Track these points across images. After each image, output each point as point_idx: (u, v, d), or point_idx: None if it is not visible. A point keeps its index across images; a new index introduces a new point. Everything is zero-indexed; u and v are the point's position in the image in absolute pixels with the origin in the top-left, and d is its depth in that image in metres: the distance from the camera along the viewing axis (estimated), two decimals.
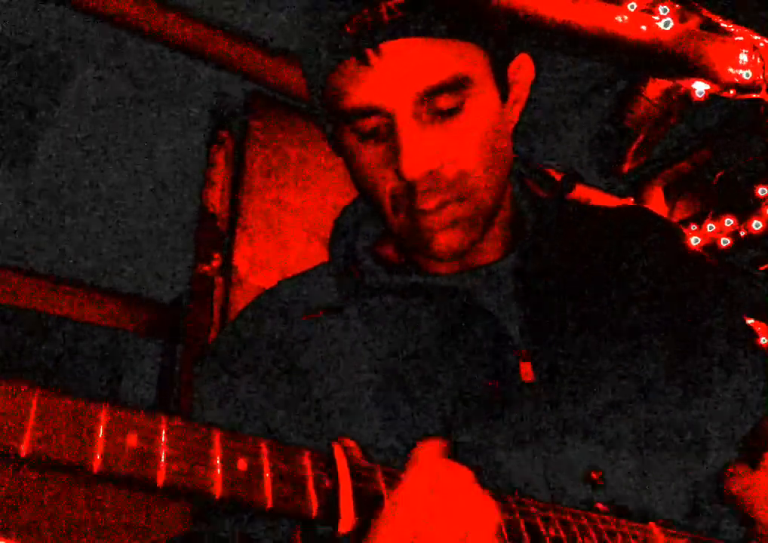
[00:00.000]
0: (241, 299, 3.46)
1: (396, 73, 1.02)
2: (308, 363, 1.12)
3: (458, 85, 1.04)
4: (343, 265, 1.20)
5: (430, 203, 1.06)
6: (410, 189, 1.06)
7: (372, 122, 1.05)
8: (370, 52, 1.02)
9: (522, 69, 1.15)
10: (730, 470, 1.04)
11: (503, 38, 1.11)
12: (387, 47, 1.02)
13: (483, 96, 1.07)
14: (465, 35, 1.05)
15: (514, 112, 1.15)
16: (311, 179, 3.82)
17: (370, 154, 1.08)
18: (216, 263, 3.57)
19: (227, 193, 3.72)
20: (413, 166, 1.03)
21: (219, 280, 3.54)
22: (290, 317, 1.17)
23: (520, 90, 1.15)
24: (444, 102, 1.04)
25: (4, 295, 3.64)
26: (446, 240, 1.08)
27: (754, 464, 1.04)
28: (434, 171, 1.05)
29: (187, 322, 3.52)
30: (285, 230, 3.69)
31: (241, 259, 3.57)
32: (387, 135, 1.06)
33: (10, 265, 3.77)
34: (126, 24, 3.50)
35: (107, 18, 3.48)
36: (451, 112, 1.05)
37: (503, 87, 1.11)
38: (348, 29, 1.03)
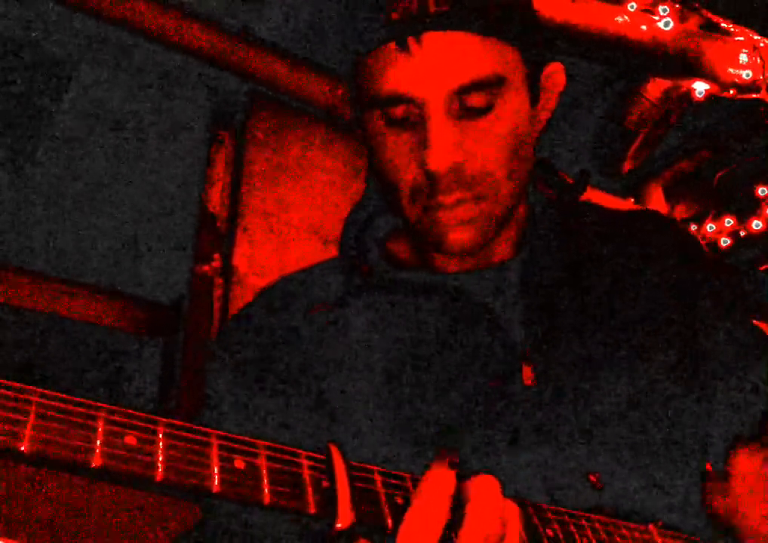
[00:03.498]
0: (240, 299, 3.46)
1: (434, 65, 1.03)
2: (314, 357, 1.13)
3: (492, 84, 1.04)
4: (352, 260, 1.20)
5: (449, 198, 1.06)
6: (431, 182, 1.06)
7: (402, 110, 1.05)
8: (411, 40, 1.02)
9: (554, 76, 1.16)
10: (707, 484, 1.05)
11: (541, 42, 1.12)
12: (429, 37, 1.02)
13: (514, 98, 1.07)
14: (506, 35, 1.05)
15: (542, 117, 1.16)
16: (311, 179, 3.82)
17: (396, 141, 1.07)
18: (216, 263, 3.57)
19: (227, 193, 3.72)
20: (440, 159, 1.03)
21: (219, 280, 3.54)
22: (297, 310, 1.17)
23: (550, 97, 1.16)
24: (477, 99, 1.04)
25: (4, 295, 3.64)
26: (458, 237, 1.08)
27: (726, 473, 1.04)
28: (458, 166, 1.05)
29: (187, 322, 3.52)
30: (285, 230, 3.69)
31: (240, 259, 3.57)
32: (415, 124, 1.06)
33: (10, 265, 3.77)
34: (126, 24, 3.50)
35: (108, 18, 3.48)
36: (482, 110, 1.05)
37: (534, 92, 1.12)
38: (393, 15, 1.03)
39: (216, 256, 3.58)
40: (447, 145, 1.03)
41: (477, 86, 1.03)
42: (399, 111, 1.05)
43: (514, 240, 1.19)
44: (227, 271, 3.55)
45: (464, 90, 1.03)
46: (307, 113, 3.88)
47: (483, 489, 0.84)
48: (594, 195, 4.60)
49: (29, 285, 3.67)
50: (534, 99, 1.12)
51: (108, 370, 4.42)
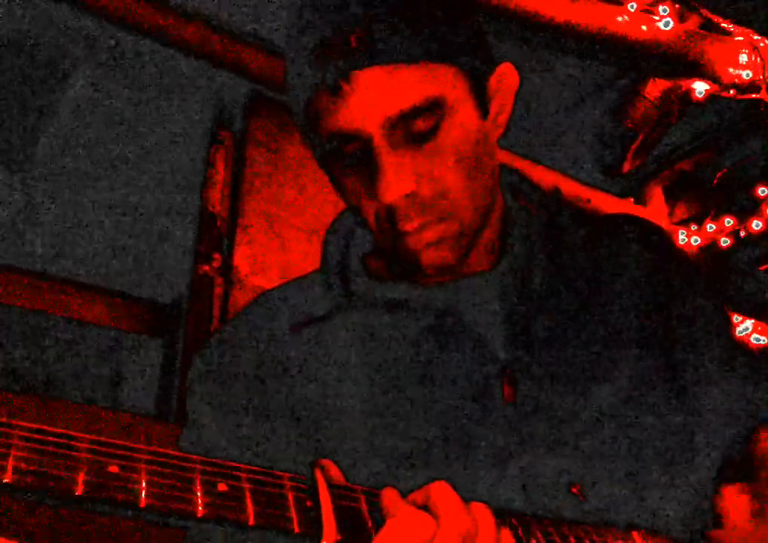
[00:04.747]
0: (241, 299, 3.46)
1: (367, 101, 1.03)
2: (298, 372, 1.13)
3: (431, 107, 1.04)
4: (333, 275, 1.20)
5: (411, 224, 1.07)
6: (390, 212, 1.07)
7: (349, 149, 1.06)
8: (341, 81, 1.03)
9: (504, 78, 1.14)
10: (723, 489, 1.05)
11: (481, 52, 1.11)
12: (357, 76, 1.03)
13: (459, 115, 1.07)
14: (437, 57, 1.05)
15: (497, 124, 1.15)
16: (311, 179, 3.82)
17: (352, 180, 1.09)
18: (216, 263, 3.57)
19: (227, 193, 3.72)
20: (390, 190, 1.04)
21: (219, 280, 3.54)
22: (281, 326, 1.18)
23: (503, 101, 1.15)
24: (419, 125, 1.04)
25: (4, 295, 3.64)
26: (431, 259, 1.09)
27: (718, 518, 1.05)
28: (413, 193, 1.05)
29: (187, 322, 3.52)
30: (285, 230, 3.69)
31: (241, 259, 3.57)
32: (365, 161, 1.06)
33: (10, 265, 3.77)
34: (126, 24, 3.50)
35: (107, 18, 3.48)
36: (427, 134, 1.05)
37: (482, 102, 1.11)
38: (319, 60, 1.04)
39: (216, 256, 3.58)
40: (397, 176, 1.04)
41: (414, 112, 1.04)
42: (347, 150, 1.07)
43: (492, 250, 1.18)
44: (227, 271, 3.55)
45: (402, 119, 1.04)
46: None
47: (443, 493, 0.87)
48: (594, 195, 4.60)
49: (29, 285, 3.67)
50: (483, 108, 1.11)
51: (108, 370, 4.42)
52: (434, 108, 1.04)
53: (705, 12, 3.75)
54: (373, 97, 1.03)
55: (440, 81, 1.05)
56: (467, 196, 1.08)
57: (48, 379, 4.34)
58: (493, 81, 1.13)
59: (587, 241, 1.23)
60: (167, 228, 4.00)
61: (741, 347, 1.24)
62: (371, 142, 1.04)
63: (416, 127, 1.04)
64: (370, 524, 0.84)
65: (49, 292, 3.71)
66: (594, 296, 1.17)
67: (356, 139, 1.05)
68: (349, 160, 1.08)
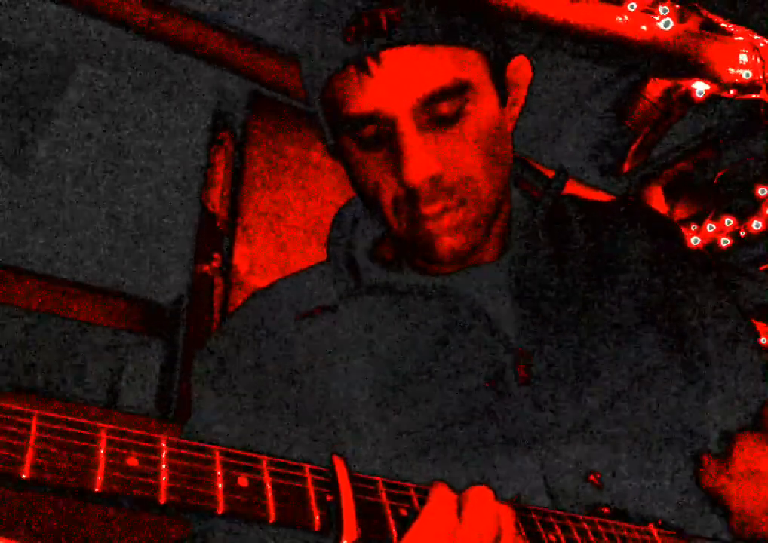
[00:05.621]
0: (240, 299, 3.45)
1: (396, 81, 1.03)
2: (304, 361, 1.13)
3: (458, 91, 1.04)
4: (341, 263, 1.20)
5: (432, 209, 1.06)
6: (411, 195, 1.06)
7: (372, 129, 1.05)
8: (369, 60, 1.03)
9: (520, 70, 1.15)
10: (703, 463, 1.06)
11: (501, 41, 1.11)
12: (387, 54, 1.02)
13: (482, 100, 1.07)
14: (464, 40, 1.05)
15: (513, 113, 1.16)
16: (311, 179, 3.82)
17: (371, 162, 1.08)
18: (216, 263, 3.57)
19: (227, 193, 3.72)
20: (416, 172, 1.03)
21: (219, 280, 3.54)
22: (287, 315, 1.17)
23: (519, 92, 1.16)
24: (445, 108, 1.04)
25: (4, 295, 3.64)
26: (448, 245, 1.08)
27: (725, 456, 1.06)
28: (436, 177, 1.04)
29: (187, 322, 3.52)
30: (285, 230, 3.69)
31: (241, 259, 3.57)
32: (387, 142, 1.05)
33: (10, 265, 3.77)
34: (126, 24, 3.50)
35: (107, 18, 3.48)
36: (451, 118, 1.05)
37: (502, 90, 1.11)
38: (347, 38, 1.03)
39: (216, 256, 3.58)
40: (422, 158, 1.03)
41: (442, 95, 1.03)
42: (370, 131, 1.05)
43: (500, 239, 1.19)
44: (227, 271, 3.55)
45: (430, 101, 1.03)
46: (307, 113, 3.88)
47: (478, 494, 0.86)
48: (593, 195, 4.60)
49: (29, 285, 3.67)
50: (503, 96, 1.12)
51: (108, 370, 4.42)
52: (461, 91, 1.04)
53: (705, 12, 3.75)
54: (401, 78, 1.03)
55: (466, 64, 1.05)
56: (487, 183, 1.08)
57: (48, 379, 4.34)
58: (510, 70, 1.14)
59: (592, 226, 1.23)
60: (167, 228, 4.00)
61: (750, 335, 1.24)
62: (395, 123, 1.04)
63: (442, 110, 1.04)
64: (391, 520, 0.83)
65: (49, 292, 3.71)
66: (601, 280, 1.17)
67: (379, 120, 1.04)
68: (368, 141, 1.06)
